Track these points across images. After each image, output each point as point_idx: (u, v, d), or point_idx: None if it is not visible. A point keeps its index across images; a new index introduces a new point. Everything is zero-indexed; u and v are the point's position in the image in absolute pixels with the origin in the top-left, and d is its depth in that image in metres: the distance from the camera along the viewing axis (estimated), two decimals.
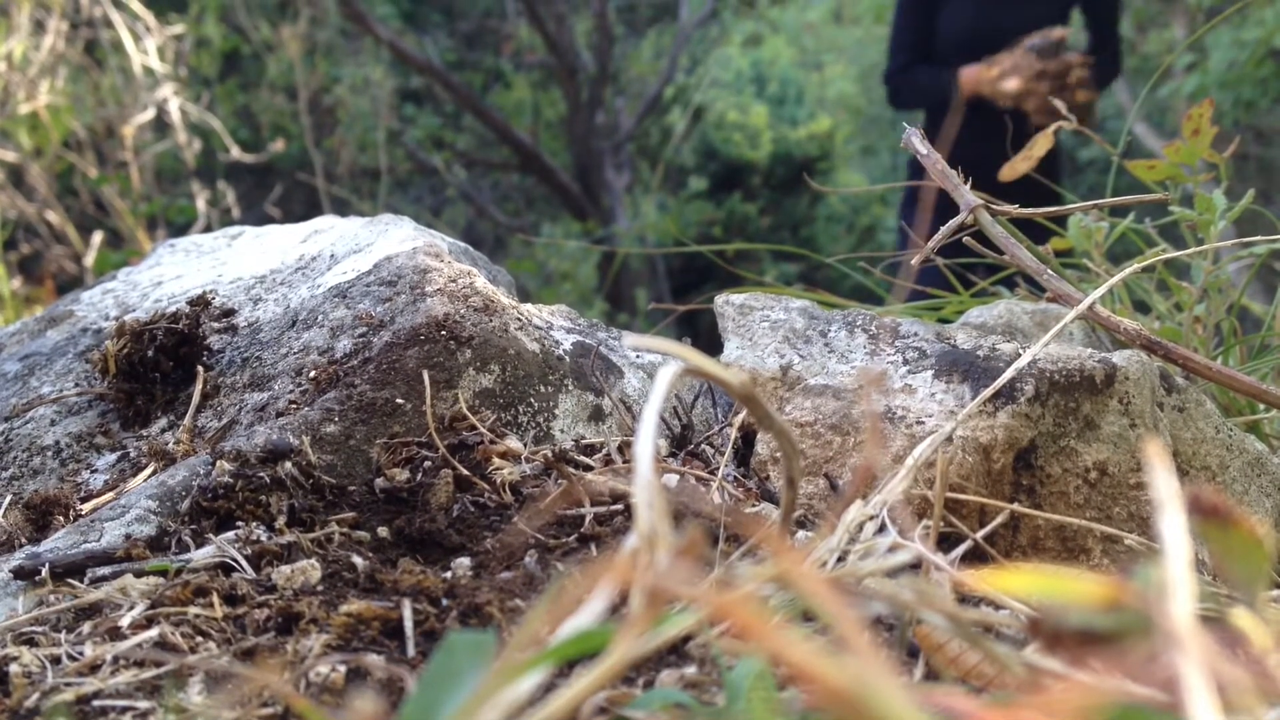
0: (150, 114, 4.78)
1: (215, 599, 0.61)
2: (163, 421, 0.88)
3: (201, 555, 0.67)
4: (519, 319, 0.90)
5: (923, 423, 0.78)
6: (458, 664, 0.35)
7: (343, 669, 0.54)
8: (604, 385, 0.91)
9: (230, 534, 0.69)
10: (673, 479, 0.78)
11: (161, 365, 0.89)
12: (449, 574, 0.67)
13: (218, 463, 0.74)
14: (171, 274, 1.10)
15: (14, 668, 0.55)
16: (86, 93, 4.73)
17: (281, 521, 0.71)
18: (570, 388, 0.89)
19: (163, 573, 0.65)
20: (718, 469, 0.81)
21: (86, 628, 0.60)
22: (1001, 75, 3.09)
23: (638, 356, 0.98)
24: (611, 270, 6.49)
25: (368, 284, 0.91)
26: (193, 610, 0.60)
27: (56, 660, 0.57)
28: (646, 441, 0.39)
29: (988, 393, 0.74)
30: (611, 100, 7.56)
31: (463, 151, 7.66)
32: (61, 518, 0.76)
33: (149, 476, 0.79)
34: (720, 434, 0.89)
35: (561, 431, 0.87)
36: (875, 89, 10.48)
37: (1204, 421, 0.85)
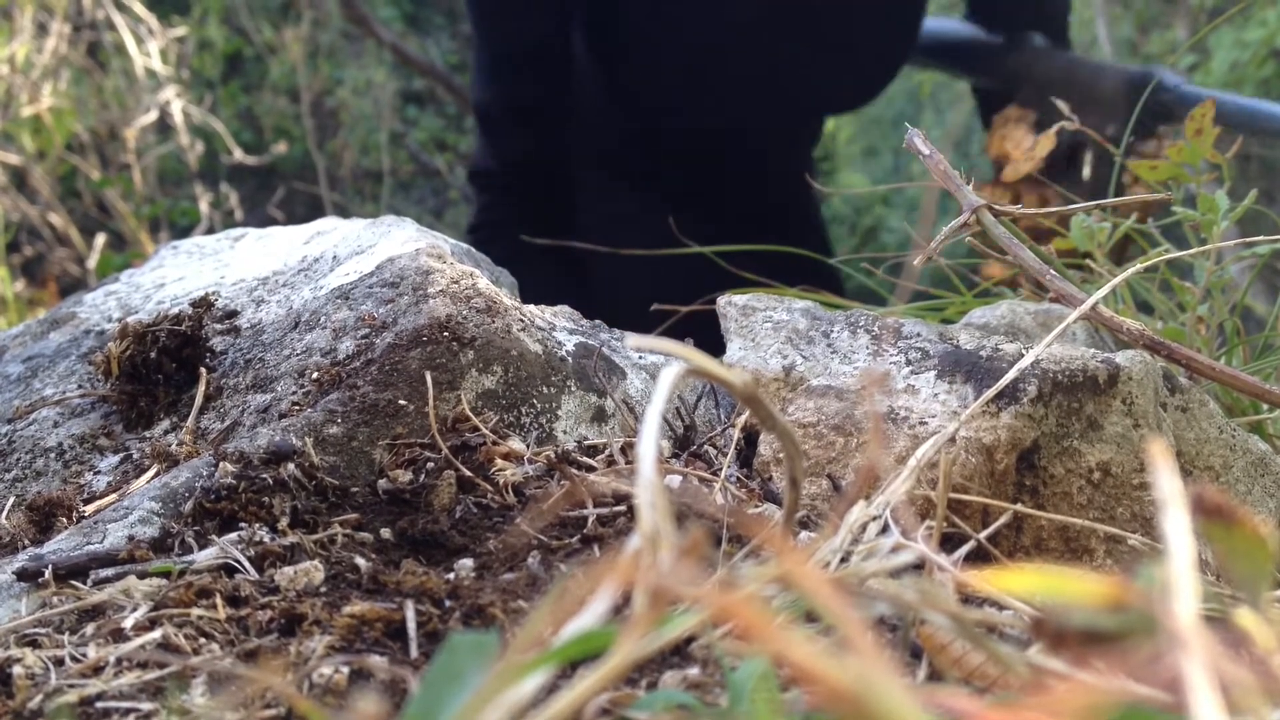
0: (153, 116, 4.79)
1: (218, 600, 0.61)
2: (165, 423, 0.88)
3: (204, 557, 0.67)
4: (521, 320, 0.90)
5: (925, 423, 0.78)
6: (460, 665, 0.35)
7: (346, 670, 0.54)
8: (607, 386, 0.91)
9: (233, 535, 0.69)
10: (675, 480, 0.78)
11: (164, 367, 0.89)
12: (452, 575, 0.67)
13: (221, 464, 0.74)
14: (174, 276, 1.10)
15: (17, 669, 0.55)
16: (89, 95, 4.73)
17: (284, 523, 0.71)
18: (573, 389, 0.89)
19: (166, 574, 0.65)
20: (720, 470, 0.81)
21: (89, 629, 0.60)
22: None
23: (640, 358, 0.98)
24: None
25: (370, 285, 0.91)
26: (196, 612, 0.60)
27: (60, 662, 0.57)
28: (649, 442, 0.39)
29: (990, 393, 0.74)
30: None
31: (465, 153, 7.65)
32: (64, 519, 0.76)
33: (152, 478, 0.79)
34: (723, 435, 0.89)
35: (564, 432, 0.87)
36: None
37: (1207, 422, 0.85)
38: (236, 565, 0.66)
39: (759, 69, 1.56)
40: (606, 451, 0.85)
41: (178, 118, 4.87)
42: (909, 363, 0.83)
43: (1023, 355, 0.79)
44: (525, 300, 0.90)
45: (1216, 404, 0.88)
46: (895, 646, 0.54)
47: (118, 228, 4.72)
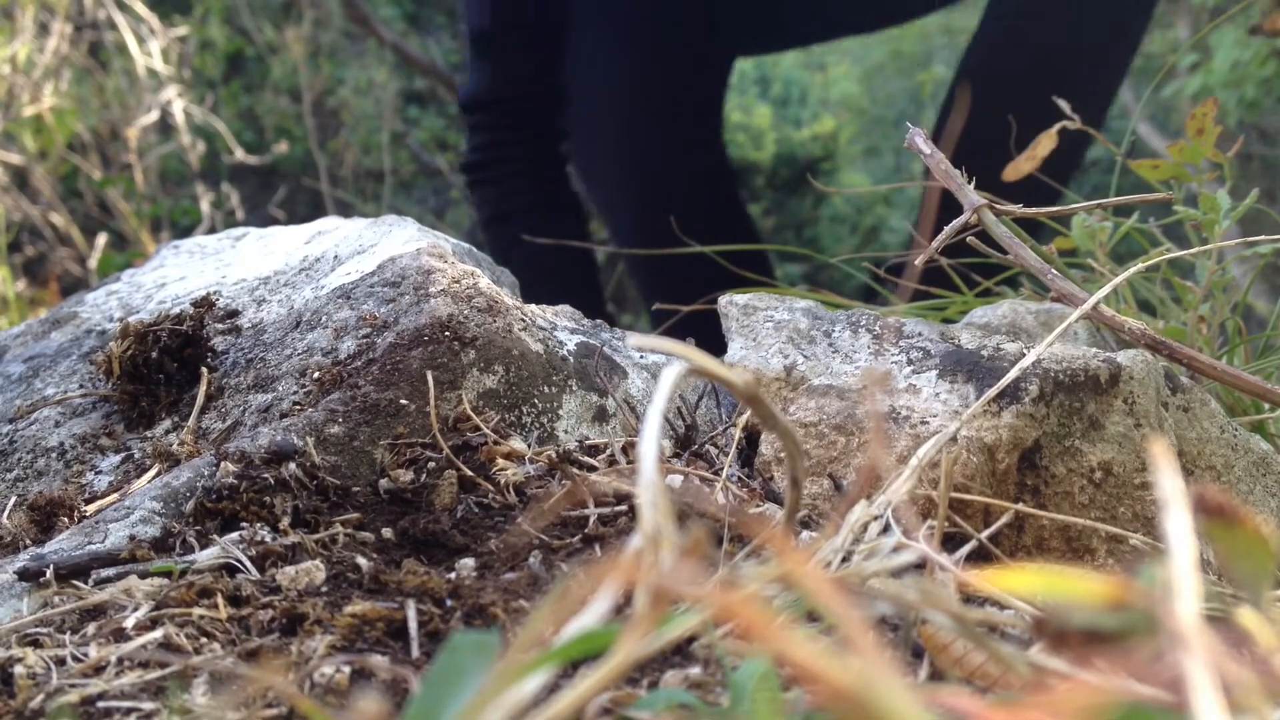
0: (154, 116, 4.79)
1: (220, 600, 0.62)
2: (167, 423, 0.88)
3: (206, 556, 0.67)
4: (523, 320, 0.90)
5: (927, 423, 0.78)
6: (462, 664, 0.35)
7: (347, 670, 0.54)
8: (608, 386, 0.91)
9: (234, 535, 0.69)
10: (677, 479, 0.78)
11: (165, 366, 0.89)
12: (453, 575, 0.67)
13: (222, 464, 0.74)
14: (175, 275, 1.10)
15: (19, 669, 0.55)
16: (91, 95, 4.73)
17: (286, 522, 0.71)
18: (574, 388, 0.89)
19: (167, 574, 0.65)
20: (722, 469, 0.81)
21: (91, 629, 0.60)
22: None
23: (642, 357, 0.98)
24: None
25: (371, 285, 0.91)
26: (197, 611, 0.60)
27: (61, 661, 0.57)
28: (650, 442, 0.39)
29: (992, 392, 0.74)
30: None
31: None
32: (66, 519, 0.76)
33: (153, 478, 0.79)
34: (724, 434, 0.89)
35: (565, 432, 0.87)
36: (879, 89, 10.41)
37: (1209, 421, 0.85)
38: (238, 565, 0.66)
39: None
40: (608, 451, 0.85)
41: (179, 117, 4.87)
42: (910, 362, 0.83)
43: (1024, 355, 0.79)
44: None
45: (1218, 403, 0.88)
46: (897, 646, 0.54)
47: (119, 227, 4.73)
